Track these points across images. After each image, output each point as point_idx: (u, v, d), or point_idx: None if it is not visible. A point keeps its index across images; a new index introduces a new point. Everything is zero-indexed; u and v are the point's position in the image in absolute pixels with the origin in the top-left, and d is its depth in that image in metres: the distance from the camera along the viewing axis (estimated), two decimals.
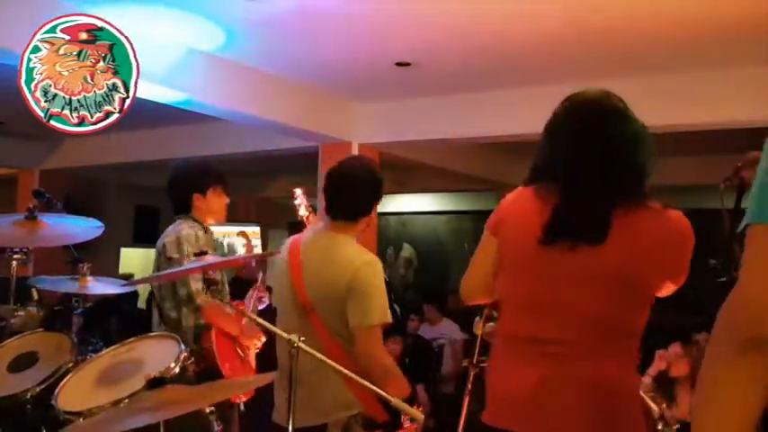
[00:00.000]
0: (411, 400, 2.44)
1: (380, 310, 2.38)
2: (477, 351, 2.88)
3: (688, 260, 1.75)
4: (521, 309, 1.82)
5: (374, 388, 2.04)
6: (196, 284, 2.88)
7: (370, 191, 2.60)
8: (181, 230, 3.02)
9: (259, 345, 3.14)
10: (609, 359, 1.72)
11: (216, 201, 3.18)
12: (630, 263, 1.69)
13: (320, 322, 2.39)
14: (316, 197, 3.53)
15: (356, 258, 2.42)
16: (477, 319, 2.88)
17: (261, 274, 3.26)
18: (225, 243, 7.55)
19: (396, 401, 2.03)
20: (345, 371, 2.00)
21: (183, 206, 3.17)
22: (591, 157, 1.75)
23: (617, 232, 1.70)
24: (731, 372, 1.01)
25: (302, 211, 3.05)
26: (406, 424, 2.48)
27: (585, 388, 1.70)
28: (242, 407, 3.00)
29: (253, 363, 3.14)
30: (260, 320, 2.15)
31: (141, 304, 7.32)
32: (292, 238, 2.64)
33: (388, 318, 2.40)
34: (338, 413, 2.36)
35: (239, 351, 3.05)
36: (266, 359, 3.01)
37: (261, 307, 3.24)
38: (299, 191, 3.13)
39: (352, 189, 2.55)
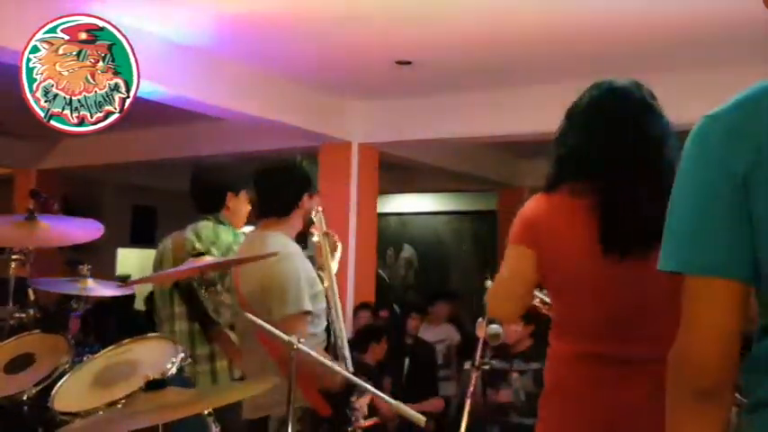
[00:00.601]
0: (348, 391, 2.42)
1: (294, 300, 2.38)
2: (479, 353, 2.87)
3: None
4: (598, 329, 1.69)
5: (375, 390, 2.03)
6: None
7: (292, 183, 2.60)
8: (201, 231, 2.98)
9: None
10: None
11: (244, 205, 3.14)
12: None
13: (242, 330, 2.45)
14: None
15: (268, 252, 2.43)
16: (480, 320, 2.87)
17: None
18: None
19: (396, 404, 2.01)
20: (340, 368, 2.00)
21: (212, 206, 3.09)
22: (633, 154, 1.66)
23: None
24: (689, 416, 1.06)
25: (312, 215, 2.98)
26: (363, 422, 2.47)
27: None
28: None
29: None
30: (259, 321, 2.14)
31: (139, 305, 7.30)
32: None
33: (304, 307, 2.38)
34: (278, 407, 2.32)
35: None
36: None
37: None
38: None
39: (274, 184, 2.59)
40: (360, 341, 4.98)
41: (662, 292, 1.60)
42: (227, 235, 3.01)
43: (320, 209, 2.81)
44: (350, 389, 2.43)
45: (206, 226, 3.02)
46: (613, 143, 1.68)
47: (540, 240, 1.73)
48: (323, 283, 2.65)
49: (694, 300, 1.05)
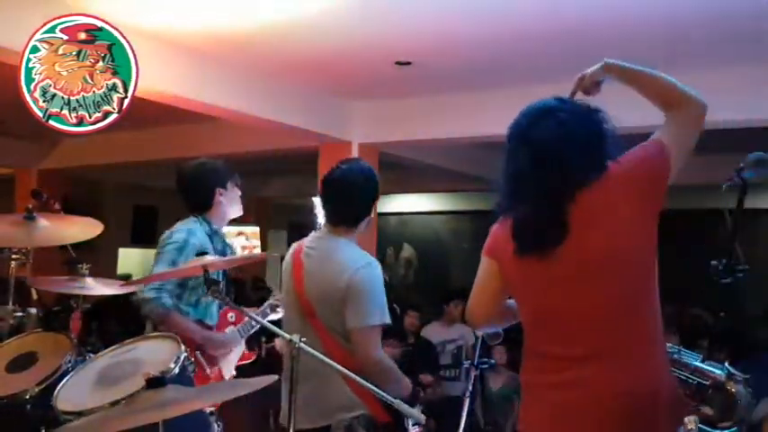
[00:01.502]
0: (412, 400, 2.43)
1: (378, 311, 2.38)
2: (477, 353, 2.88)
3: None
4: (531, 327, 1.84)
5: (376, 390, 2.04)
6: (148, 293, 2.83)
7: (366, 194, 2.57)
8: (179, 231, 2.99)
9: (236, 357, 3.11)
10: (631, 357, 1.70)
11: (235, 193, 3.17)
12: (606, 238, 1.70)
13: (321, 325, 2.41)
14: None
15: (354, 261, 2.44)
16: None
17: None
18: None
19: (398, 404, 2.02)
20: (347, 372, 2.01)
21: (202, 205, 3.09)
22: (519, 164, 1.85)
23: (578, 220, 1.71)
24: None
25: (321, 219, 2.99)
26: (412, 427, 2.47)
27: (617, 395, 1.68)
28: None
29: (226, 372, 3.08)
30: (260, 320, 2.16)
31: None
32: (297, 243, 2.65)
33: (387, 319, 2.40)
34: (341, 414, 2.36)
35: (201, 358, 2.98)
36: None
37: (274, 317, 3.17)
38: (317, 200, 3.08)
39: (349, 195, 2.53)
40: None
41: (563, 285, 1.72)
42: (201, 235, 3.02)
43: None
44: (415, 395, 2.45)
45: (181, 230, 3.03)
46: (510, 160, 1.90)
47: (496, 249, 1.89)
48: None
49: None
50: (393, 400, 2.04)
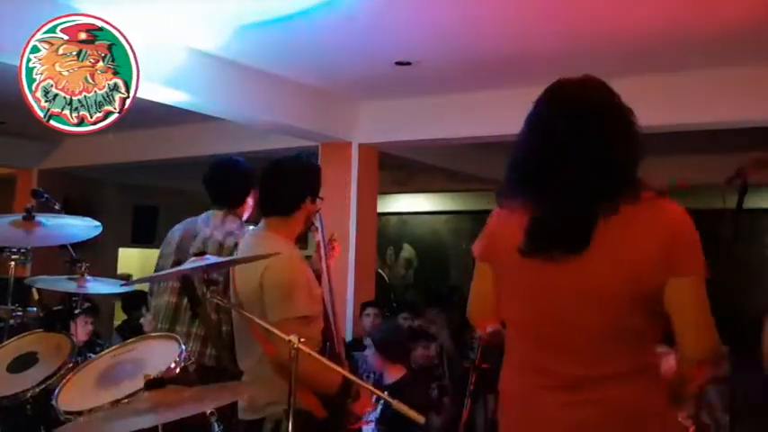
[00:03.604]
0: (346, 390, 2.41)
1: (292, 304, 2.35)
2: (479, 354, 2.87)
3: (689, 251, 1.61)
4: (522, 335, 1.74)
5: (375, 390, 2.04)
6: None
7: (297, 182, 2.55)
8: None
9: None
10: (626, 380, 1.61)
11: (254, 200, 3.22)
12: (632, 271, 1.58)
13: (248, 318, 2.42)
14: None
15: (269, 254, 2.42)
16: None
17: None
18: None
19: (396, 403, 2.02)
20: (336, 366, 2.01)
21: (237, 200, 3.17)
22: (566, 157, 1.62)
23: (602, 236, 1.58)
24: None
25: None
26: (356, 424, 2.46)
27: (612, 417, 1.61)
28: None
29: None
30: (258, 320, 2.15)
31: None
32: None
33: (302, 312, 2.37)
34: (272, 408, 2.36)
35: None
36: None
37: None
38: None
39: (278, 182, 2.54)
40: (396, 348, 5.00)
41: (567, 297, 1.61)
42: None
43: (319, 209, 2.82)
44: (346, 393, 2.43)
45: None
46: (552, 150, 1.65)
47: (489, 250, 1.81)
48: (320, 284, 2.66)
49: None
50: (390, 399, 2.03)
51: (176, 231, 3.21)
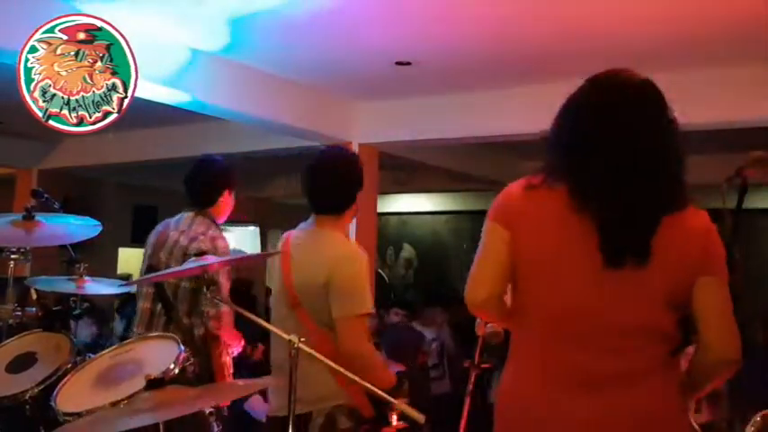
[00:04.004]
0: (396, 391, 2.43)
1: (361, 300, 2.39)
2: (478, 352, 2.87)
3: (719, 253, 1.65)
4: (558, 328, 1.64)
5: (377, 391, 2.04)
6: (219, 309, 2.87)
7: (350, 181, 2.58)
8: (216, 239, 3.00)
9: (234, 351, 3.13)
10: (651, 378, 1.61)
11: (232, 201, 3.21)
12: (674, 273, 1.60)
13: (306, 315, 2.43)
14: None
15: (336, 251, 2.46)
16: (479, 319, 2.87)
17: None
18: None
19: (397, 403, 2.03)
20: (339, 368, 2.01)
21: (208, 201, 3.16)
22: (632, 163, 1.57)
23: (661, 243, 1.58)
24: None
25: None
26: (395, 422, 2.48)
27: (641, 419, 1.59)
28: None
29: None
30: (258, 320, 2.15)
31: None
32: (286, 234, 2.67)
33: (369, 309, 2.41)
34: (322, 403, 2.38)
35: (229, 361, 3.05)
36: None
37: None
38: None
39: (333, 182, 2.55)
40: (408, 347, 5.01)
41: (626, 300, 1.58)
42: (221, 240, 3.08)
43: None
44: (400, 388, 2.45)
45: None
46: (615, 154, 1.59)
47: (516, 224, 1.66)
48: None
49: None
50: (393, 400, 2.04)
51: (152, 236, 3.21)
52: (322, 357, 2.01)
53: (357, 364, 2.21)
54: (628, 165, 1.58)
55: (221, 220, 3.23)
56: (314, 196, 2.56)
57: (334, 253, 2.45)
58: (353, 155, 2.67)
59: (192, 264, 2.80)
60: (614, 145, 1.59)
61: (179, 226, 3.12)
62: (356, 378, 2.00)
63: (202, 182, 3.18)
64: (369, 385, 2.02)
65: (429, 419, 1.92)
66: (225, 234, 3.18)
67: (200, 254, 2.89)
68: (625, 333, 1.61)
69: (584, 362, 1.61)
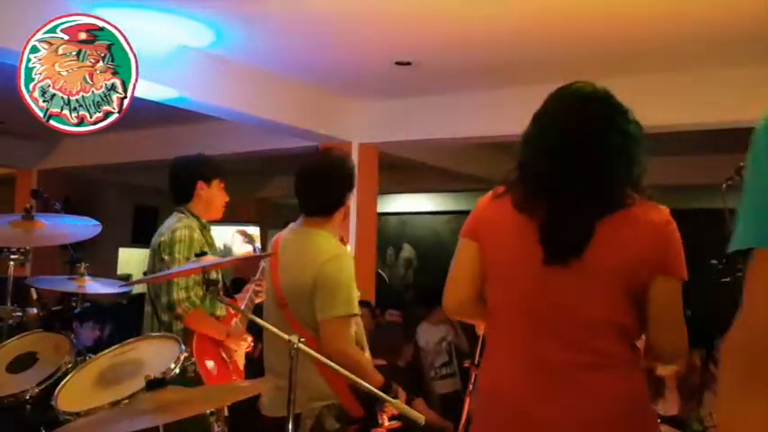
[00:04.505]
0: (385, 391, 2.43)
1: (345, 302, 2.39)
2: (478, 352, 2.87)
3: (678, 252, 1.69)
4: (518, 323, 1.74)
5: (377, 391, 2.04)
6: (180, 293, 2.86)
7: (340, 184, 2.58)
8: (176, 230, 3.01)
9: (246, 345, 3.13)
10: (618, 368, 1.69)
11: (218, 194, 3.20)
12: (630, 267, 1.66)
13: (293, 316, 2.44)
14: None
15: (323, 253, 2.46)
16: None
17: (261, 266, 3.25)
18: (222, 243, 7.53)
19: (396, 403, 2.03)
20: (338, 367, 2.01)
21: (183, 196, 3.16)
22: (576, 168, 1.68)
23: (613, 237, 1.66)
24: (747, 406, 0.96)
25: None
26: (386, 423, 2.48)
27: (602, 401, 1.66)
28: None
29: (240, 364, 3.12)
30: (258, 320, 2.16)
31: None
32: (276, 235, 2.70)
33: (354, 310, 2.42)
34: (312, 404, 2.38)
35: (224, 355, 3.03)
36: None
37: (257, 301, 3.23)
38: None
39: (322, 184, 2.56)
40: (392, 344, 5.00)
41: (582, 298, 1.66)
42: (184, 230, 3.04)
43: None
44: (388, 387, 2.45)
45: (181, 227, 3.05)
46: (560, 158, 1.70)
47: (481, 233, 1.82)
48: None
49: (759, 276, 0.98)
50: (390, 399, 2.04)
51: (154, 237, 3.19)
52: (320, 357, 2.01)
53: (341, 364, 2.19)
54: (564, 168, 1.70)
55: (212, 215, 3.21)
56: (302, 197, 2.58)
57: (320, 254, 2.45)
58: (343, 157, 2.67)
59: (191, 264, 2.81)
60: (554, 150, 1.72)
61: (163, 225, 3.13)
62: (356, 378, 2.00)
63: (174, 179, 3.22)
64: (367, 385, 2.02)
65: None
66: (211, 228, 3.18)
67: (200, 254, 2.89)
68: (580, 326, 1.68)
69: (547, 353, 1.69)
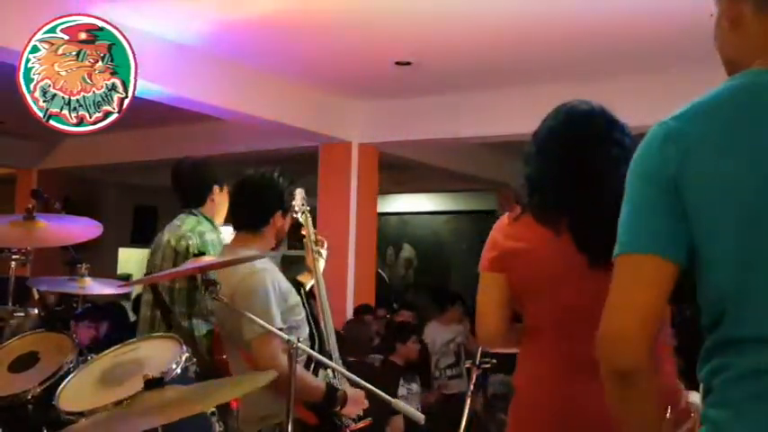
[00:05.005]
0: (330, 397, 2.41)
1: (266, 318, 2.28)
2: (479, 352, 2.88)
3: None
4: (567, 328, 1.78)
5: (372, 388, 2.04)
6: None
7: (268, 199, 2.56)
8: (203, 233, 3.00)
9: None
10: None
11: (227, 199, 3.18)
12: None
13: (225, 337, 2.45)
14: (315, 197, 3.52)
15: (238, 270, 2.39)
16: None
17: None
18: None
19: (395, 402, 2.03)
20: (343, 370, 2.01)
21: (196, 199, 3.14)
22: (580, 182, 1.76)
23: None
24: (616, 398, 1.20)
25: (299, 215, 2.95)
26: (352, 425, 2.47)
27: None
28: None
29: None
30: (259, 321, 2.15)
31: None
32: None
33: (278, 324, 2.33)
34: (268, 421, 2.38)
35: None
36: None
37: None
38: (300, 191, 3.06)
39: (250, 198, 2.55)
40: (385, 342, 5.03)
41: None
42: (210, 233, 3.05)
43: (307, 209, 2.83)
44: (331, 398, 2.41)
45: (193, 224, 3.05)
46: (566, 176, 1.78)
47: (510, 262, 1.83)
48: (303, 289, 2.67)
49: (623, 279, 1.17)
50: (392, 399, 2.04)
51: (169, 239, 3.16)
52: (321, 357, 2.01)
53: (278, 381, 2.09)
54: (570, 184, 1.78)
55: (221, 219, 3.22)
56: (234, 212, 2.60)
57: (236, 272, 2.39)
58: (274, 176, 2.61)
59: (191, 264, 2.81)
60: (558, 167, 1.80)
61: (171, 228, 3.12)
62: (357, 379, 1.99)
63: (187, 182, 3.17)
64: (371, 387, 2.01)
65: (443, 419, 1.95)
66: (222, 229, 3.17)
67: (200, 254, 2.89)
68: None
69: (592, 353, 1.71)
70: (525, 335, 1.90)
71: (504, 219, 1.92)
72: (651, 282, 1.15)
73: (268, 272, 2.45)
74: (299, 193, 3.00)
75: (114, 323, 5.38)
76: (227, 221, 3.23)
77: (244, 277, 2.37)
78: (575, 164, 1.78)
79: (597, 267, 1.69)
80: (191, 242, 2.97)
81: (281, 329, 2.30)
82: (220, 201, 3.17)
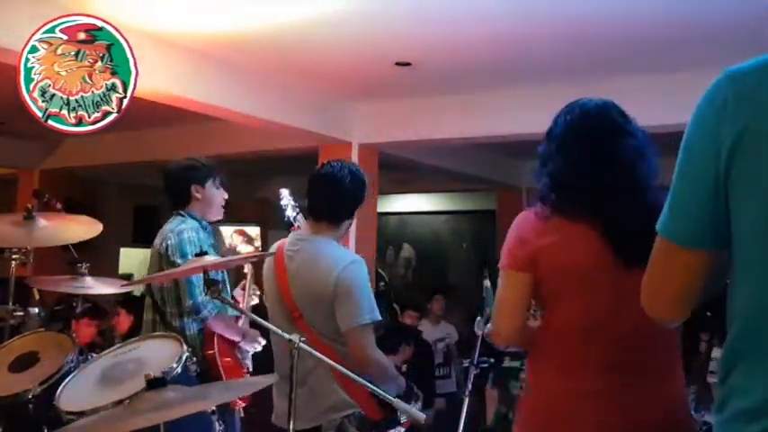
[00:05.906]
0: (408, 396, 2.45)
1: (367, 309, 2.38)
2: (477, 351, 2.88)
3: None
4: (587, 337, 1.79)
5: (373, 387, 2.05)
6: (203, 296, 2.86)
7: (353, 194, 2.59)
8: (181, 232, 3.01)
9: (259, 348, 3.14)
10: (676, 377, 1.81)
11: (215, 193, 3.18)
12: None
13: (308, 327, 2.41)
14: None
15: (339, 261, 2.44)
16: (479, 319, 2.88)
17: (248, 267, 3.25)
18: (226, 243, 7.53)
19: (396, 402, 2.03)
20: (344, 370, 2.01)
21: (181, 201, 3.16)
22: (605, 176, 1.77)
23: None
24: None
25: (290, 212, 3.00)
26: (403, 420, 2.49)
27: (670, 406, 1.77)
28: (241, 412, 3.00)
29: (249, 366, 3.14)
30: (262, 321, 2.16)
31: None
32: (279, 242, 2.66)
33: (377, 316, 2.41)
34: (332, 414, 2.38)
35: (239, 355, 3.05)
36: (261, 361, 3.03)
37: (252, 303, 3.24)
38: (285, 191, 3.10)
39: (336, 192, 2.55)
40: (390, 342, 5.03)
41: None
42: (189, 231, 3.04)
43: (296, 205, 2.85)
44: (407, 396, 2.46)
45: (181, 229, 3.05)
46: (588, 172, 1.78)
47: (542, 260, 1.81)
48: None
49: (659, 260, 1.20)
50: (392, 399, 2.05)
51: (157, 241, 3.16)
52: (327, 359, 2.01)
53: (369, 371, 2.22)
54: (594, 178, 1.79)
55: (213, 215, 3.21)
56: (315, 205, 2.57)
57: (336, 262, 2.43)
58: (358, 169, 2.64)
59: (191, 264, 2.81)
60: (578, 163, 1.81)
61: (161, 230, 3.13)
62: (364, 381, 2.01)
63: (168, 186, 3.21)
64: (370, 386, 2.02)
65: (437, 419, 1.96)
66: (222, 229, 3.18)
67: (201, 254, 2.89)
68: (639, 332, 1.73)
69: (621, 354, 1.77)
70: (547, 332, 1.87)
71: (528, 216, 1.88)
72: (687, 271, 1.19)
73: (364, 264, 2.51)
74: (285, 192, 3.02)
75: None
76: (229, 218, 3.22)
77: (347, 266, 2.42)
78: (603, 153, 1.78)
79: (631, 266, 1.67)
80: (169, 242, 2.98)
81: (376, 322, 2.40)
82: (205, 197, 3.16)
